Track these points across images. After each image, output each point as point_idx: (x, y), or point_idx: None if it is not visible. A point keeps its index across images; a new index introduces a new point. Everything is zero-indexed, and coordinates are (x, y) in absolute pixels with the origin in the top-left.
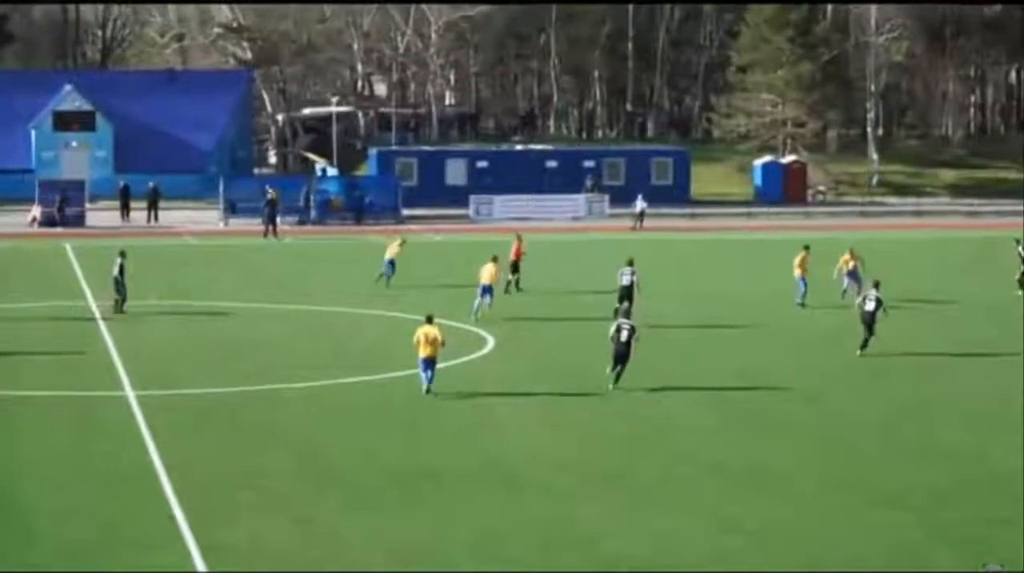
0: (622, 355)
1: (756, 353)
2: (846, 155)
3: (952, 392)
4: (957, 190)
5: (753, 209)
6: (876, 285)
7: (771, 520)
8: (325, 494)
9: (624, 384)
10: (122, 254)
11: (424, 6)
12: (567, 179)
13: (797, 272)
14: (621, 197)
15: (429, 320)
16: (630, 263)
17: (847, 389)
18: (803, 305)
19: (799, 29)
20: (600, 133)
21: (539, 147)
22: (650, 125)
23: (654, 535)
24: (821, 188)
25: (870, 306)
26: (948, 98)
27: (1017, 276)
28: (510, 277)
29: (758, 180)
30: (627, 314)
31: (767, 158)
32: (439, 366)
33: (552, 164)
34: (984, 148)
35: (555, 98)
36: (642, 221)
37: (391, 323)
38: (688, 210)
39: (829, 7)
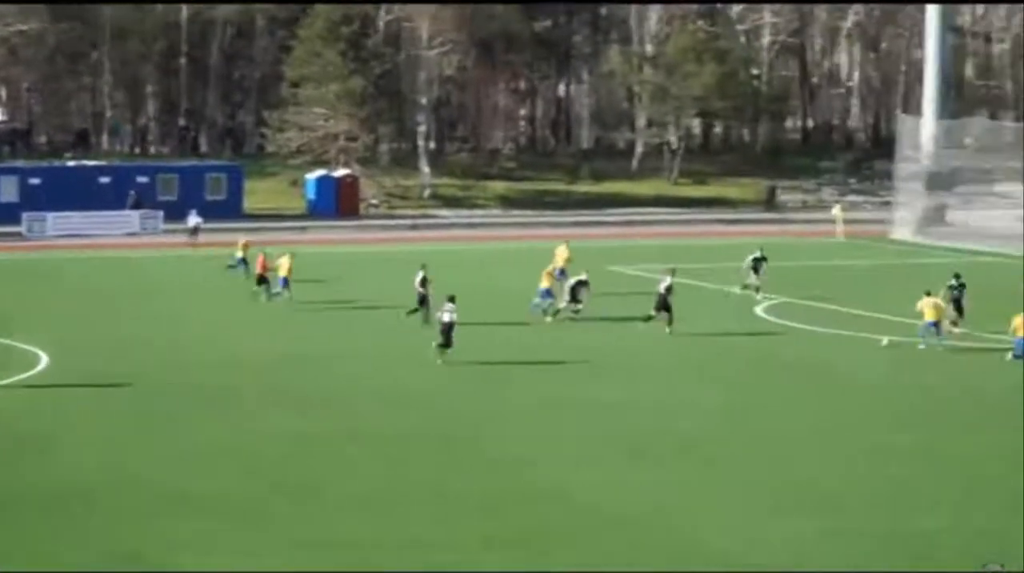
0: (445, 333)
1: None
2: (398, 168)
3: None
4: (507, 202)
5: (307, 223)
6: (672, 272)
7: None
8: None
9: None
10: None
11: None
12: (121, 195)
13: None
14: (176, 213)
15: None
16: (423, 267)
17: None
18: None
19: (351, 43)
20: (153, 149)
21: (92, 163)
22: (203, 140)
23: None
24: (374, 201)
25: (662, 288)
26: (498, 112)
27: (748, 280)
28: (255, 288)
29: (311, 194)
30: (451, 301)
31: (320, 172)
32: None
33: (105, 180)
34: (533, 161)
35: (108, 114)
36: (196, 236)
37: None
38: (243, 224)
39: (381, 22)
